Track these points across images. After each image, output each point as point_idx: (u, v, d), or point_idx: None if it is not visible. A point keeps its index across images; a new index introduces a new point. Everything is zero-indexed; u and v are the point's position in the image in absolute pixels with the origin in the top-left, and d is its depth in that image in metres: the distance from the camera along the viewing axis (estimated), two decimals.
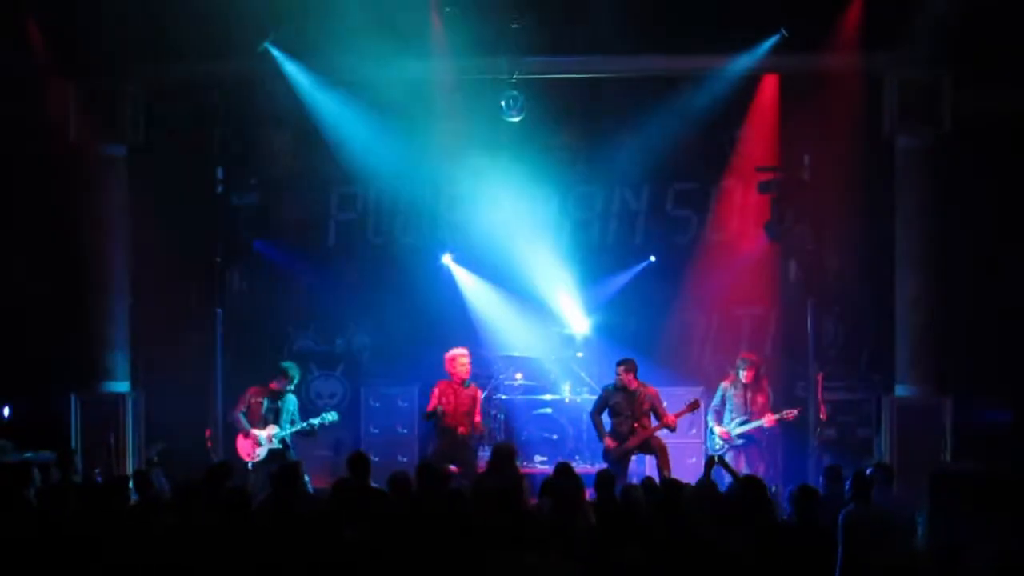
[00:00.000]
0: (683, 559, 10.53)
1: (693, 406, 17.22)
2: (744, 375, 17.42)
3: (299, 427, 16.94)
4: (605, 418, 17.20)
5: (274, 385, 17.05)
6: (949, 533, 13.45)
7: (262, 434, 16.84)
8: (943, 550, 11.96)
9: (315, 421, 17.02)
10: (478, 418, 17.34)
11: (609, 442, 16.93)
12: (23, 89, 17.57)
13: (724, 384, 17.68)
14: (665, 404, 17.14)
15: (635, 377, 17.00)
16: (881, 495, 12.86)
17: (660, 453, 16.95)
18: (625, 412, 16.97)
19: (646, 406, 16.99)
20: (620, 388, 17.02)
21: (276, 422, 16.92)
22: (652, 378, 18.20)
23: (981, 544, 11.79)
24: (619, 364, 17.10)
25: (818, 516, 11.64)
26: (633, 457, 17.21)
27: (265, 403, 16.99)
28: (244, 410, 17.02)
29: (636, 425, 16.88)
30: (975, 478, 14.50)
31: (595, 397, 17.66)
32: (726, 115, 19.41)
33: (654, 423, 16.99)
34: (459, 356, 17.29)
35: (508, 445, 14.77)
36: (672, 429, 17.17)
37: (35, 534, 11.25)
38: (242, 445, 16.98)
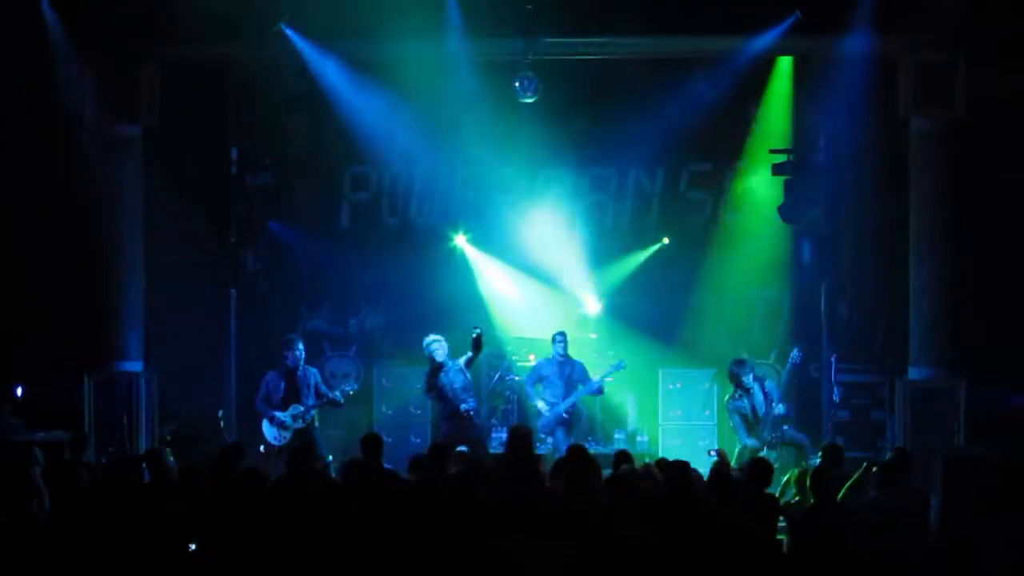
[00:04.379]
0: (690, 537, 10.55)
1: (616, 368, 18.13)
2: (749, 379, 17.25)
3: (323, 400, 16.98)
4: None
5: (288, 362, 17.09)
6: (962, 518, 13.47)
7: (285, 416, 16.85)
8: (956, 535, 11.98)
9: (337, 394, 17.07)
10: None
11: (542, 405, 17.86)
12: (38, 69, 17.56)
13: (732, 401, 17.45)
14: None
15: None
16: (898, 482, 12.81)
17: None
18: (557, 382, 17.98)
19: (575, 375, 17.98)
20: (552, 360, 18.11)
21: (297, 400, 16.94)
22: (664, 360, 18.28)
23: (995, 529, 11.81)
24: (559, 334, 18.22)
25: (833, 499, 11.69)
26: None
27: (282, 384, 17.02)
28: (264, 395, 17.05)
29: None
30: (989, 463, 14.51)
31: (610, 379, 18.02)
32: (741, 97, 19.40)
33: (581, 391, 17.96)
34: (428, 343, 17.31)
35: (524, 428, 14.79)
36: (599, 393, 18.30)
37: (38, 513, 11.32)
38: (268, 430, 16.98)
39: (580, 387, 17.82)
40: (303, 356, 17.18)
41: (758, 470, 11.97)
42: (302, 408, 16.88)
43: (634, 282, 20.11)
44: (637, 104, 19.17)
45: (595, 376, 17.95)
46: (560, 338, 18.00)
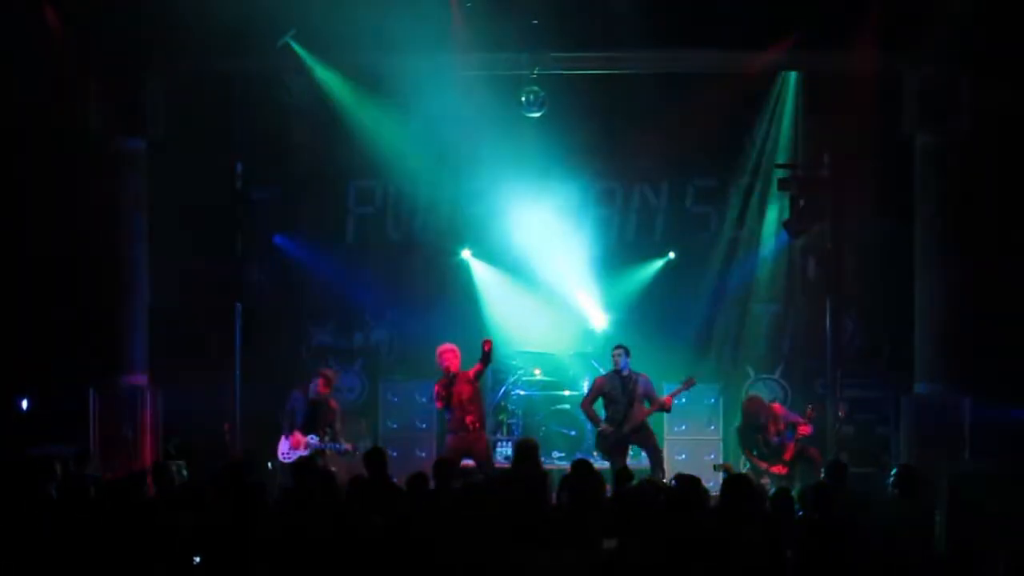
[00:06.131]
0: (696, 552, 10.54)
1: (688, 383, 17.40)
2: (761, 418, 17.37)
3: (325, 447, 16.93)
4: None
5: (320, 388, 17.17)
6: (967, 533, 13.45)
7: (292, 441, 16.87)
8: (962, 550, 11.96)
9: (330, 447, 16.98)
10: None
11: (606, 428, 17.21)
12: (44, 83, 17.56)
13: (745, 432, 17.52)
14: None
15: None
16: (902, 497, 12.80)
17: (655, 452, 17.10)
18: (619, 399, 17.16)
19: (639, 392, 17.19)
20: (614, 374, 17.35)
21: (315, 430, 16.97)
22: (670, 375, 18.26)
23: (1000, 544, 11.79)
24: (615, 348, 17.48)
25: (832, 513, 11.68)
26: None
27: (306, 410, 17.14)
28: (290, 412, 17.19)
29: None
30: (994, 478, 14.48)
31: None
32: (746, 112, 19.45)
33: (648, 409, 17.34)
34: (443, 352, 17.27)
35: (530, 440, 14.76)
36: (667, 410, 17.45)
37: (56, 528, 11.32)
38: (282, 444, 17.03)
39: (646, 404, 17.36)
40: (326, 393, 17.25)
41: (743, 485, 11.99)
42: (316, 440, 16.85)
43: (640, 296, 20.12)
44: (643, 119, 19.21)
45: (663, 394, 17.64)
46: (620, 352, 17.45)
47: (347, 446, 17.03)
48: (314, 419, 17.02)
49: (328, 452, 16.89)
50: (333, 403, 17.37)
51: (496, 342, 18.98)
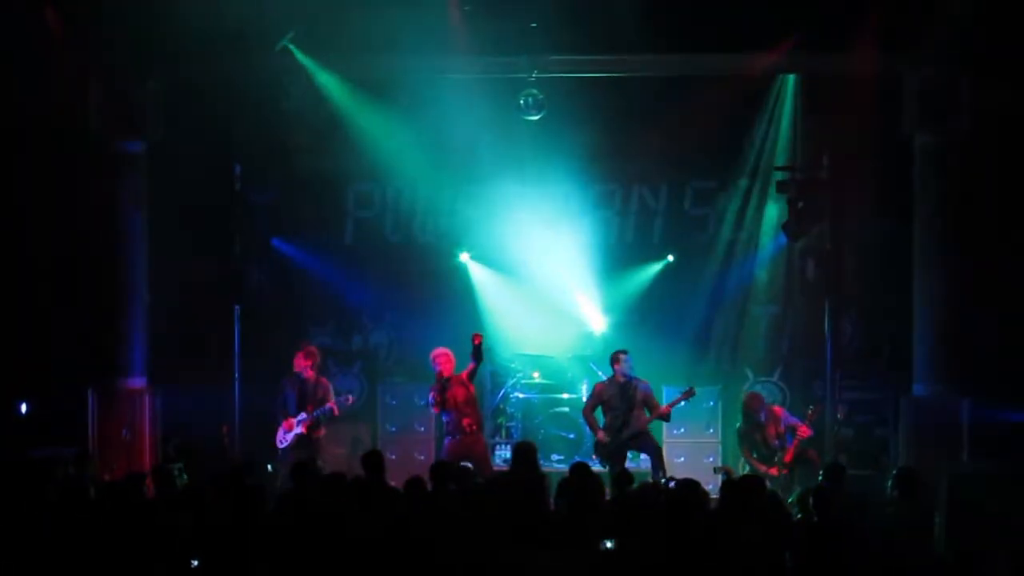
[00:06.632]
0: (695, 555, 10.53)
1: (688, 394, 17.29)
2: (762, 416, 17.42)
3: (314, 415, 17.07)
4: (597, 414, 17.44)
5: (301, 360, 17.37)
6: (967, 534, 13.45)
7: (285, 425, 17.03)
8: (961, 551, 11.95)
9: (317, 413, 17.11)
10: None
11: (602, 435, 17.14)
12: (44, 83, 17.56)
13: (745, 433, 17.58)
14: None
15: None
16: (902, 499, 12.81)
17: (656, 453, 17.06)
18: (619, 405, 17.11)
19: (639, 398, 17.13)
20: (613, 380, 17.31)
21: (303, 407, 17.10)
22: (670, 377, 18.25)
23: (999, 545, 11.79)
24: (620, 353, 17.39)
25: (831, 515, 11.68)
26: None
27: (291, 388, 17.31)
28: (282, 402, 17.33)
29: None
30: (993, 478, 14.48)
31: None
32: (745, 114, 19.45)
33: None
34: (436, 356, 17.27)
35: (529, 444, 14.75)
36: (666, 420, 17.39)
37: (56, 529, 11.33)
38: (278, 433, 17.21)
39: (647, 411, 17.22)
40: (307, 365, 17.36)
41: (742, 488, 11.99)
42: (304, 415, 16.96)
43: (639, 299, 20.10)
44: (641, 121, 19.21)
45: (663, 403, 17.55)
46: (624, 357, 17.37)
47: (330, 404, 17.15)
48: (303, 398, 17.18)
49: (321, 424, 17.20)
50: (324, 380, 17.55)
51: (495, 345, 19.07)
